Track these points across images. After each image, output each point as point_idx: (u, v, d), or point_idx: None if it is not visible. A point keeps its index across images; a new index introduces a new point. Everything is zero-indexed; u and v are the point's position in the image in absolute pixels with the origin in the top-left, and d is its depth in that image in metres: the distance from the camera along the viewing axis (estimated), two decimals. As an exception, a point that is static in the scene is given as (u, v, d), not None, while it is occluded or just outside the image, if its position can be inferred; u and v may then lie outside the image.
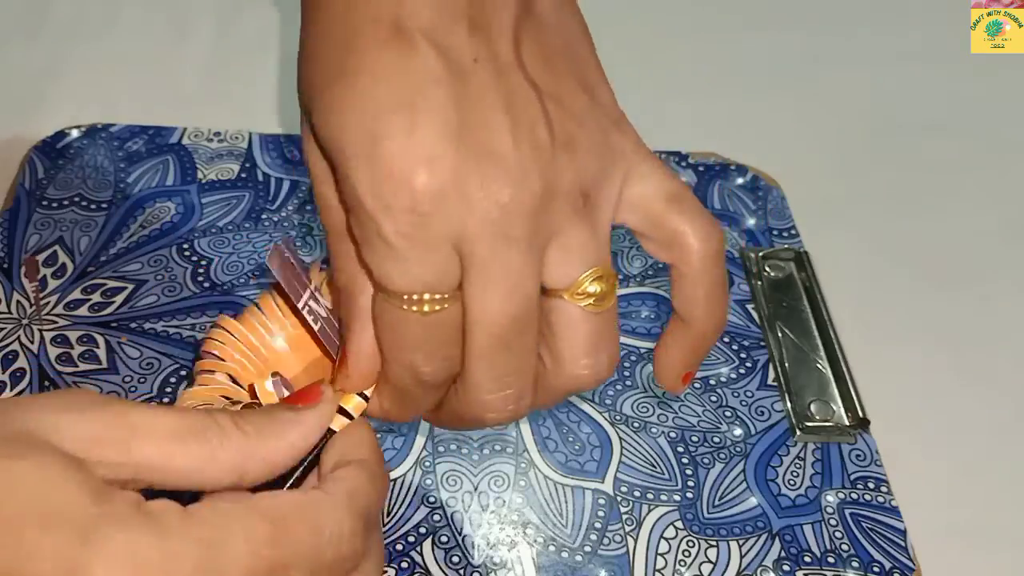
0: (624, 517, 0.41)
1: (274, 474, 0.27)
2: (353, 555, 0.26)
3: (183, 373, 0.45)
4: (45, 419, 0.24)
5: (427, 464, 0.42)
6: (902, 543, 0.41)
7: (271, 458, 0.27)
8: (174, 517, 0.23)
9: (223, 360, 0.35)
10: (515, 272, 0.27)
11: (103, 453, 0.24)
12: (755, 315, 0.49)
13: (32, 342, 0.45)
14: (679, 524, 0.41)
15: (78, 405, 0.24)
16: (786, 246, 0.53)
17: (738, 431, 0.45)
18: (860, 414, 0.45)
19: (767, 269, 0.51)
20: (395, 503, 0.41)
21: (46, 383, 0.43)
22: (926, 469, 0.45)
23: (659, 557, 0.40)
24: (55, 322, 0.46)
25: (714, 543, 0.41)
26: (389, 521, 0.40)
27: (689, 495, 0.42)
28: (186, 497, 0.26)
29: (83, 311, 0.46)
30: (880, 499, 0.43)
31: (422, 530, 0.40)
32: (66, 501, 0.22)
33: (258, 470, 0.26)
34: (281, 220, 0.52)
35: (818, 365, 0.47)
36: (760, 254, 0.52)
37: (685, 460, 0.43)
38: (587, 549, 0.40)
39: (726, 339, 0.48)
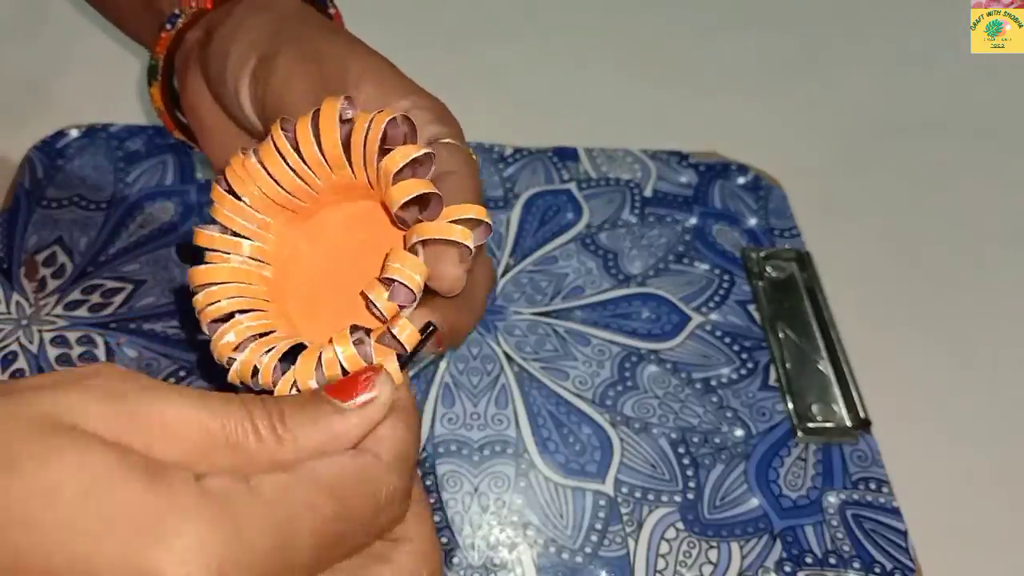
0: (625, 518, 0.41)
1: None
2: (402, 514, 0.26)
3: (182, 374, 0.44)
4: (70, 405, 0.22)
5: (427, 465, 0.42)
6: (903, 544, 0.41)
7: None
8: (239, 498, 0.22)
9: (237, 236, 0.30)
10: None
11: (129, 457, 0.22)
12: (756, 316, 0.49)
13: (31, 343, 0.45)
14: (680, 525, 0.41)
15: (102, 392, 0.22)
16: (788, 246, 0.53)
17: (739, 432, 0.44)
18: (861, 415, 0.45)
19: (769, 269, 0.51)
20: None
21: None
22: (928, 470, 0.44)
23: (660, 558, 0.40)
24: (54, 323, 0.46)
25: (715, 544, 0.41)
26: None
27: (690, 496, 0.42)
28: None
29: (82, 311, 0.46)
30: (881, 500, 0.43)
31: (422, 531, 0.40)
32: (122, 493, 0.20)
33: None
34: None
35: (820, 366, 0.47)
36: (762, 254, 0.52)
37: (686, 461, 0.43)
38: (587, 550, 0.40)
39: (727, 340, 0.48)
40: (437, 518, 0.41)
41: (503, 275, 0.50)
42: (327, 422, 0.25)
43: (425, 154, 0.28)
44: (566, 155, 0.56)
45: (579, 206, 0.54)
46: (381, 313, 0.27)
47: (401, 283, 0.27)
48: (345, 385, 0.26)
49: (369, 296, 0.27)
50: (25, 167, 0.53)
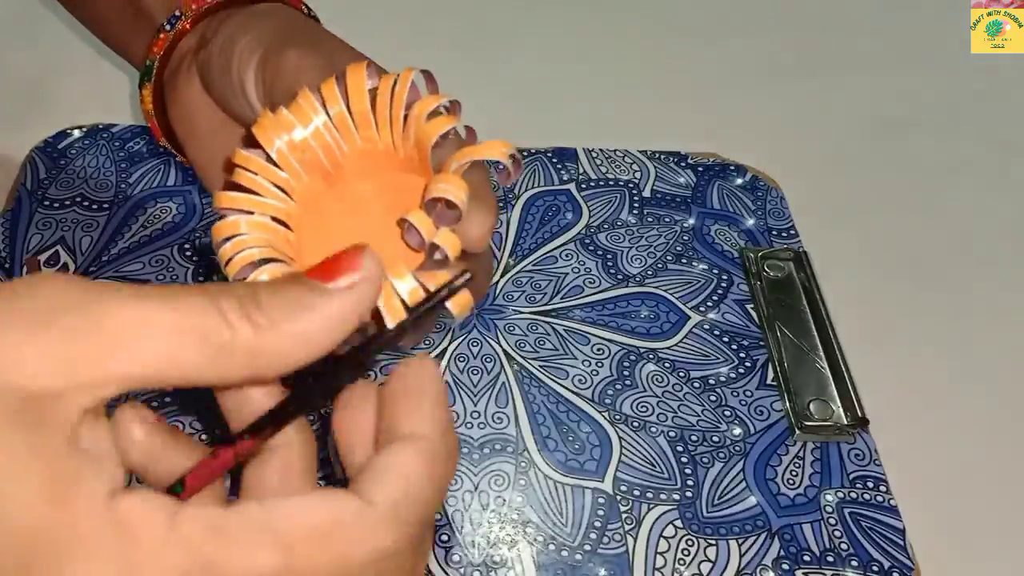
0: (624, 516, 0.41)
1: (293, 368, 0.22)
2: None
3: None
4: (5, 345, 0.19)
5: (427, 463, 0.42)
6: (901, 542, 0.41)
7: (288, 355, 0.21)
8: (154, 536, 0.19)
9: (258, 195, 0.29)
10: None
11: (78, 376, 0.19)
12: (754, 315, 0.49)
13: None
14: (678, 523, 0.41)
15: (47, 314, 0.19)
16: (785, 246, 0.53)
17: (737, 430, 0.45)
18: (859, 413, 0.45)
19: (766, 269, 0.51)
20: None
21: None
22: (925, 468, 0.45)
23: (658, 556, 0.40)
24: (57, 322, 0.46)
25: (713, 542, 0.41)
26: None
27: (688, 494, 0.42)
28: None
29: (85, 311, 0.46)
30: (879, 498, 0.43)
31: (422, 529, 0.40)
32: (19, 505, 0.18)
33: (274, 367, 0.21)
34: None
35: (817, 365, 0.47)
36: (759, 254, 0.52)
37: (684, 459, 0.43)
38: (587, 548, 0.40)
39: (726, 339, 0.48)
40: (437, 515, 0.41)
41: (503, 275, 0.50)
42: (304, 302, 0.21)
43: (452, 101, 0.29)
44: (565, 155, 0.57)
45: (578, 206, 0.54)
46: (420, 237, 0.26)
47: (446, 200, 0.26)
48: (326, 265, 0.22)
49: (410, 220, 0.26)
50: (27, 167, 0.53)
